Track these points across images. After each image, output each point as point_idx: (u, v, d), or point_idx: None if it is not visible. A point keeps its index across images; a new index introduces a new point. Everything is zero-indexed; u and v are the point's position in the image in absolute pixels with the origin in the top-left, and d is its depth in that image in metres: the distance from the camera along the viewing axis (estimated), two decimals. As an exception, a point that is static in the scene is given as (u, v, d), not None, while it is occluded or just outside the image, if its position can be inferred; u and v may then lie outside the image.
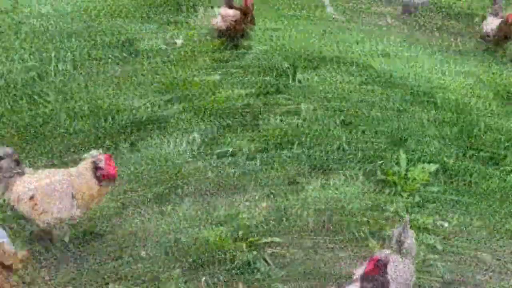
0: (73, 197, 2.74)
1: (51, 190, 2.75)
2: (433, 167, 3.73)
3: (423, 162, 3.77)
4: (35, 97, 3.90)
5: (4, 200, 2.91)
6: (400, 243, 2.77)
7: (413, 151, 3.90)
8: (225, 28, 4.82)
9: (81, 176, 2.74)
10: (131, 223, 3.16)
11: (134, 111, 3.95)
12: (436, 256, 3.13)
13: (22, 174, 2.86)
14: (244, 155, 3.75)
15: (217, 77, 4.46)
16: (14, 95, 3.89)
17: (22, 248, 2.85)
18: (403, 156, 3.77)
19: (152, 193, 3.35)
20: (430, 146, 3.96)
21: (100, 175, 2.71)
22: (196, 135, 3.84)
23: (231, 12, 4.80)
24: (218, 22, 4.87)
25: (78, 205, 2.75)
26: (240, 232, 3.15)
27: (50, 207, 2.73)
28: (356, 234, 3.23)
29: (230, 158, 3.72)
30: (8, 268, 2.39)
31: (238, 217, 3.25)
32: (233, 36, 4.85)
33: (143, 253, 3.02)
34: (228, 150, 3.77)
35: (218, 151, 3.77)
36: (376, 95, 4.36)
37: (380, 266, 2.53)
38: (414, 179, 3.65)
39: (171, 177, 3.47)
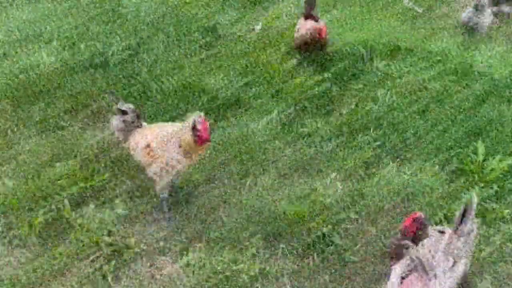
0: (180, 147, 3.06)
1: (163, 139, 3.11)
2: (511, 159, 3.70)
3: (502, 154, 3.73)
4: (130, 75, 4.28)
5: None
6: (458, 221, 2.78)
7: (491, 142, 3.87)
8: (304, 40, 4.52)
9: (185, 132, 3.04)
10: (216, 193, 3.43)
11: (217, 91, 4.21)
12: (513, 245, 3.14)
13: (140, 126, 3.30)
14: (320, 137, 3.89)
15: (295, 61, 4.62)
16: (112, 72, 4.29)
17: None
18: (480, 147, 3.76)
19: (235, 167, 3.59)
20: (509, 138, 3.91)
21: (197, 135, 2.99)
22: (274, 115, 4.03)
23: (307, 25, 4.48)
24: (299, 30, 4.55)
25: (183, 156, 3.06)
26: (316, 208, 3.32)
27: (161, 153, 3.08)
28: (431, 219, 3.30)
29: (306, 139, 3.89)
30: None
31: (314, 194, 3.42)
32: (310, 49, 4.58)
33: (226, 219, 3.28)
34: (305, 131, 3.94)
35: (295, 131, 3.95)
36: (455, 86, 4.34)
37: (418, 223, 2.62)
38: (492, 169, 3.62)
39: (252, 154, 3.69)
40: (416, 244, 2.63)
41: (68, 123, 3.89)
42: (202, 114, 2.98)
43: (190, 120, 3.05)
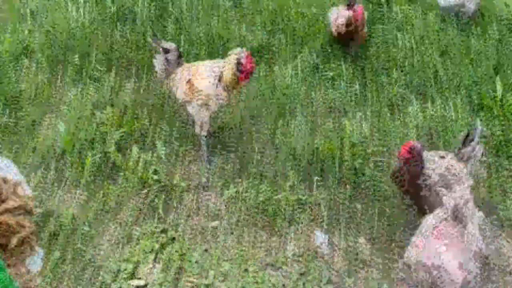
0: (219, 80, 3.25)
1: (204, 75, 3.28)
2: (530, 95, 3.86)
3: (520, 89, 3.90)
4: (157, 29, 4.41)
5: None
6: (463, 146, 3.00)
7: (508, 79, 4.02)
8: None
9: (226, 67, 3.22)
10: (251, 134, 3.63)
11: (243, 39, 4.35)
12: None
13: (181, 65, 3.48)
14: (344, 80, 4.06)
15: (314, 10, 4.72)
16: (140, 26, 4.42)
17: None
18: (499, 83, 3.92)
19: (266, 111, 3.79)
20: (527, 75, 4.07)
21: (240, 69, 3.16)
22: (299, 61, 4.19)
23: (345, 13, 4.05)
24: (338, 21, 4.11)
25: (224, 90, 3.25)
26: (346, 144, 3.53)
27: (202, 88, 3.26)
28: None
29: (331, 82, 4.06)
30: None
31: (343, 132, 3.62)
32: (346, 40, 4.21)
33: (263, 158, 3.50)
34: (329, 75, 4.10)
35: (320, 76, 4.11)
36: (474, 28, 4.46)
37: (413, 152, 2.82)
38: (510, 104, 3.81)
39: (282, 98, 3.87)
40: (414, 172, 2.86)
41: (103, 75, 4.06)
42: (244, 49, 3.14)
43: (232, 56, 3.22)
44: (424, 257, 2.43)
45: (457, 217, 2.55)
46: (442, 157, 2.98)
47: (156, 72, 3.55)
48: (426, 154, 2.95)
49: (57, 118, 3.74)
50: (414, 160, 2.86)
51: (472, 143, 3.02)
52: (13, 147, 3.53)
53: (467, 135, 3.05)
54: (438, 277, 2.38)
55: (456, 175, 2.89)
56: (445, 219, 2.58)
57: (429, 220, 2.60)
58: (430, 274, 2.40)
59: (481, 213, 2.64)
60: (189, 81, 3.32)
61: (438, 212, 2.64)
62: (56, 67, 4.11)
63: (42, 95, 3.91)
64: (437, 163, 2.92)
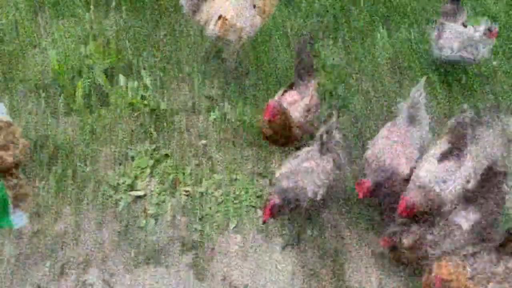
0: (254, 7, 3.42)
1: (236, 6, 3.40)
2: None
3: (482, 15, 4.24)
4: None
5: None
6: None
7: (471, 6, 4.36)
8: None
9: None
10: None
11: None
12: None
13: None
14: (316, 12, 4.29)
15: None
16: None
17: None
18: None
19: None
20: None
21: None
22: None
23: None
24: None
25: (257, 14, 3.45)
26: (321, 68, 3.81)
27: (237, 20, 3.37)
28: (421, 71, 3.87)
29: (303, 14, 4.27)
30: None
31: (317, 59, 3.88)
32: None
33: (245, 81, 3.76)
34: (303, 6, 4.31)
35: (293, 7, 4.31)
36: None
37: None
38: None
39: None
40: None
41: (83, 9, 4.12)
42: None
43: None
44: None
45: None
46: None
47: (183, 8, 3.53)
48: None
49: (41, 52, 3.82)
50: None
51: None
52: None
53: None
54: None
55: None
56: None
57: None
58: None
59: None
60: (220, 17, 3.36)
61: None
62: (35, 5, 4.15)
63: (23, 31, 3.97)
64: None
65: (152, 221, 3.02)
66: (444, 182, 2.76)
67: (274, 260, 2.94)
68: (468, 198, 2.75)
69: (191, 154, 3.35)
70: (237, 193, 3.17)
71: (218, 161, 3.33)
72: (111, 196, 3.11)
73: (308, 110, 3.17)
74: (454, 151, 2.85)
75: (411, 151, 2.89)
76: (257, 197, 3.18)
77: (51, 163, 3.21)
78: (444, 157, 2.83)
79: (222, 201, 3.14)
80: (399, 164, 2.85)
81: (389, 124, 3.07)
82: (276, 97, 3.18)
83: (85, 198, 3.10)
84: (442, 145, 2.89)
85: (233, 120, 3.51)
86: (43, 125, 3.39)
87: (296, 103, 3.16)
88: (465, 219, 2.71)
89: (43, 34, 3.97)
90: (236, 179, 3.24)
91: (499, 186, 2.73)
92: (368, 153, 2.99)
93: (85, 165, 3.22)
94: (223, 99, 3.66)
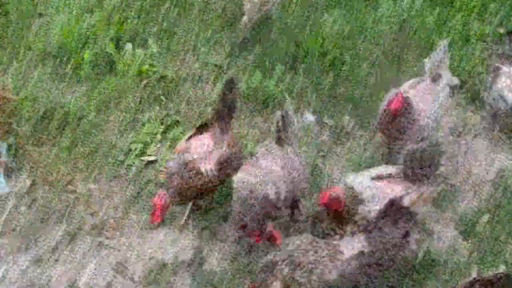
0: None
1: None
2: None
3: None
4: None
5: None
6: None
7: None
8: None
9: None
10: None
11: None
12: None
13: None
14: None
15: None
16: None
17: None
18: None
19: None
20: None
21: None
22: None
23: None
24: None
25: None
26: (326, 38, 3.81)
27: None
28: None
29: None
30: None
31: (318, 29, 3.88)
32: None
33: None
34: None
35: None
36: None
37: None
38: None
39: None
40: None
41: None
42: None
43: None
44: None
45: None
46: None
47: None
48: None
49: (47, 22, 3.78)
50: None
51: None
52: (6, 50, 3.61)
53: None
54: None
55: None
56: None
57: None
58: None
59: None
60: None
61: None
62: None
63: (27, 0, 3.93)
64: None
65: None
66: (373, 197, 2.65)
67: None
68: (365, 226, 2.54)
69: (200, 121, 3.38)
70: (245, 157, 3.21)
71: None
72: (122, 162, 3.13)
73: (224, 162, 2.71)
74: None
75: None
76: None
77: (61, 131, 3.22)
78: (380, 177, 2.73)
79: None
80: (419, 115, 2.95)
81: (410, 81, 3.14)
82: (182, 143, 2.84)
83: (97, 164, 3.13)
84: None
85: (240, 89, 3.53)
86: (51, 93, 3.40)
87: (207, 150, 2.72)
88: (351, 246, 2.46)
89: (47, 3, 3.95)
90: (246, 145, 3.27)
91: (400, 223, 2.48)
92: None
93: (96, 131, 3.24)
94: (230, 67, 3.68)
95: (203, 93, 3.51)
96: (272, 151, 2.74)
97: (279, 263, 2.37)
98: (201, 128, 2.83)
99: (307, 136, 3.32)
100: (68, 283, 2.65)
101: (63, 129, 3.23)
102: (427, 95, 3.06)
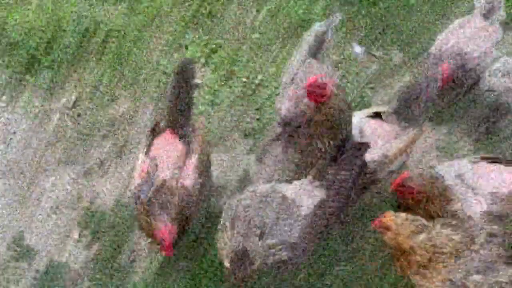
0: None
1: None
2: None
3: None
4: None
5: None
6: None
7: None
8: None
9: None
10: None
11: None
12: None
13: None
14: None
15: None
16: None
17: None
18: None
19: None
20: None
21: None
22: None
23: None
24: None
25: None
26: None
27: None
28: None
29: None
30: None
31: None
32: None
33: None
34: None
35: None
36: None
37: None
38: None
39: None
40: None
41: None
42: None
43: None
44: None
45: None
46: None
47: None
48: None
49: None
50: None
51: None
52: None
53: None
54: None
55: None
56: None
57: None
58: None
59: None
60: None
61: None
62: None
63: None
64: None
65: (209, 108, 3.04)
66: None
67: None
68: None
69: (245, 47, 3.28)
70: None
71: (272, 56, 3.25)
72: (165, 83, 3.09)
73: (201, 172, 2.25)
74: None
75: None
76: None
77: (104, 48, 3.16)
78: None
79: (278, 94, 3.11)
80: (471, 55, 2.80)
81: (461, 19, 2.98)
82: (141, 162, 2.26)
83: (140, 83, 3.08)
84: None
85: (285, 14, 3.41)
86: (94, 10, 3.30)
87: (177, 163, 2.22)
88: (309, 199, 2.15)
89: None
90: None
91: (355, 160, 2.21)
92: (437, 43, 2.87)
93: (139, 51, 3.17)
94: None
95: (246, 17, 3.41)
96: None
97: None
98: (155, 133, 2.35)
99: (355, 67, 3.24)
100: (116, 197, 2.67)
101: (105, 47, 3.18)
102: (478, 35, 2.91)
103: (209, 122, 2.94)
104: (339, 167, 2.19)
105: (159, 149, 2.24)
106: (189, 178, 2.17)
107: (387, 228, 2.00)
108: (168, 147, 2.25)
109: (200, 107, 2.98)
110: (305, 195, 2.13)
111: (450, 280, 1.93)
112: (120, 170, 2.76)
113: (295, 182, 2.21)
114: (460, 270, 1.91)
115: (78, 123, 2.90)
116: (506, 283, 1.95)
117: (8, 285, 2.34)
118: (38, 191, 2.67)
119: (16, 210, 2.61)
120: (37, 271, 2.38)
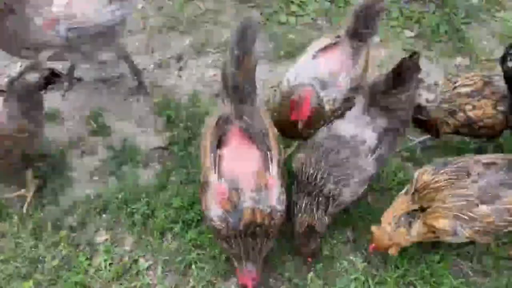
0: None
1: None
2: None
3: None
4: None
5: None
6: None
7: None
8: None
9: None
10: None
11: None
12: None
13: None
14: None
15: None
16: None
17: None
18: None
19: None
20: None
21: None
22: None
23: None
24: None
25: None
26: None
27: None
28: None
29: None
30: None
31: None
32: None
33: None
34: None
35: None
36: None
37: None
38: None
39: None
40: None
41: None
42: None
43: None
44: None
45: None
46: None
47: None
48: None
49: None
50: None
51: None
52: None
53: None
54: None
55: None
56: None
57: None
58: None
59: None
60: None
61: None
62: None
63: None
64: None
65: (293, 19, 2.94)
66: None
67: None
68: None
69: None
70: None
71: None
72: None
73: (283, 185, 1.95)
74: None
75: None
76: None
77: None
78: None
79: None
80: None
81: None
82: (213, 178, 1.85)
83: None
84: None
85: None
86: None
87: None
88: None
89: None
90: None
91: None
92: None
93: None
94: None
95: None
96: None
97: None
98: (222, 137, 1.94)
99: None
100: (190, 91, 2.65)
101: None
102: None
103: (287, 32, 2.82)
104: (397, 90, 1.98)
105: (233, 164, 1.86)
106: (274, 196, 1.84)
107: (386, 248, 1.96)
108: (242, 158, 1.88)
109: (284, 17, 2.88)
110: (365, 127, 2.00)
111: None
112: (198, 67, 2.74)
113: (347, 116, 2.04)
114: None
115: (160, 15, 2.88)
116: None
117: (83, 155, 2.43)
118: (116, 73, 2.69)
119: (96, 89, 2.65)
120: (111, 147, 2.43)
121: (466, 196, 1.88)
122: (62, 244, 2.12)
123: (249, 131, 1.86)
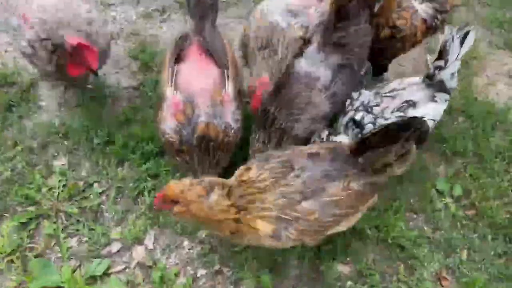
0: None
1: None
2: None
3: None
4: None
5: None
6: None
7: None
8: None
9: None
10: None
11: None
12: None
13: None
14: None
15: None
16: None
17: None
18: None
19: None
20: None
21: None
22: None
23: None
24: None
25: None
26: None
27: None
28: None
29: None
30: None
31: None
32: None
33: None
34: None
35: None
36: None
37: None
38: None
39: None
40: None
41: None
42: None
43: None
44: None
45: None
46: None
47: None
48: None
49: None
50: None
51: None
52: None
53: None
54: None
55: None
56: None
57: None
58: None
59: None
60: None
61: None
62: None
63: None
64: None
65: None
66: None
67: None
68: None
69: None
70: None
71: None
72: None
73: (239, 103, 1.92)
74: None
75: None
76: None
77: None
78: None
79: None
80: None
81: None
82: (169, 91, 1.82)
83: None
84: None
85: None
86: None
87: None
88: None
89: None
90: None
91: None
92: None
93: None
94: None
95: None
96: None
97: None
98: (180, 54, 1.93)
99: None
100: (168, 40, 2.65)
101: None
102: None
103: None
104: (349, 24, 1.96)
105: (190, 78, 1.82)
106: (229, 113, 1.81)
107: (174, 201, 1.60)
108: (199, 73, 1.85)
109: None
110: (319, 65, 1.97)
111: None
112: (180, 21, 2.78)
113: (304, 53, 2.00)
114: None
115: None
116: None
117: (53, 87, 2.40)
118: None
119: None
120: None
121: (288, 193, 1.63)
122: (18, 158, 2.12)
123: (208, 47, 1.86)
